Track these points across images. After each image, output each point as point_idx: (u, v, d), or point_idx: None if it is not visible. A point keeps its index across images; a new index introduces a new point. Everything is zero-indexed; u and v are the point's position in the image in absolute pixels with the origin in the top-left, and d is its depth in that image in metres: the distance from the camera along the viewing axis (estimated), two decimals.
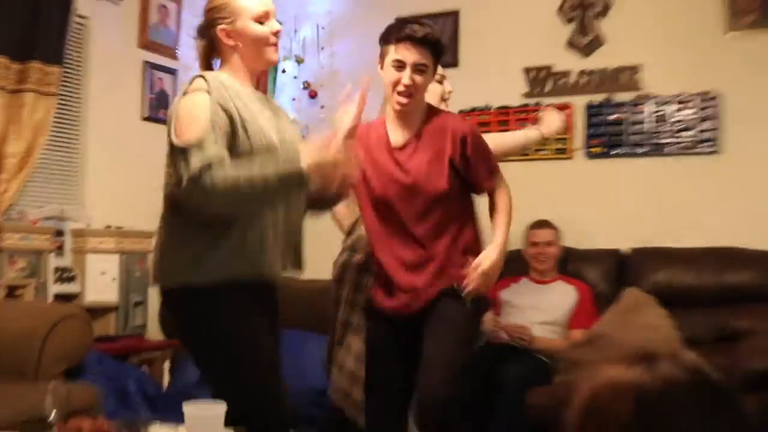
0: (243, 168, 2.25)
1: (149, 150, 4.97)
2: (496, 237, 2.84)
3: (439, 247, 2.83)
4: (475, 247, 2.89)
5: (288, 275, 2.55)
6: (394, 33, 2.76)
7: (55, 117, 4.35)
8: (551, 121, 3.02)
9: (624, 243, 4.58)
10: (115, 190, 4.77)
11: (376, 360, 3.02)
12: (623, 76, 4.80)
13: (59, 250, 4.26)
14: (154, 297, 4.71)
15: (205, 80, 2.38)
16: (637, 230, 4.64)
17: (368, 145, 2.86)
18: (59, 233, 4.28)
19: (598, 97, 4.88)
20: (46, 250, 4.14)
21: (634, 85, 4.77)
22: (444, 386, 2.74)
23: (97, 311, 4.29)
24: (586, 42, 4.93)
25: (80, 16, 4.58)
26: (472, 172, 2.87)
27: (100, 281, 4.35)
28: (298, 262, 2.59)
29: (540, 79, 5.04)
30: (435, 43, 2.79)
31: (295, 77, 5.52)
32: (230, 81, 2.46)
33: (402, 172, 2.84)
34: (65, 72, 4.39)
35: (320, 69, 5.47)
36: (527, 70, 5.03)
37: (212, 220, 2.34)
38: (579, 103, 4.92)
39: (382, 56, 2.82)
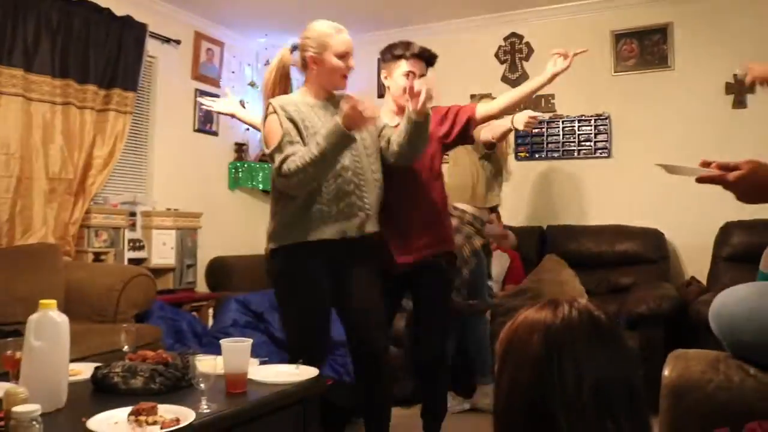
0: (305, 152, 2.24)
1: (198, 153, 4.96)
2: None
3: None
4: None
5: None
6: (407, 50, 2.66)
7: (131, 129, 4.29)
8: (559, 63, 2.68)
9: (544, 222, 4.56)
10: (173, 182, 4.71)
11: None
12: (542, 102, 4.74)
13: (132, 226, 4.21)
14: (202, 260, 4.68)
15: (272, 105, 2.38)
16: (554, 212, 4.63)
17: None
18: (132, 214, 4.23)
19: None
20: (123, 227, 4.09)
21: (550, 108, 4.74)
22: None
23: (160, 271, 4.24)
24: (515, 77, 4.90)
25: (150, 56, 4.55)
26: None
27: (162, 249, 4.29)
28: (363, 228, 2.43)
29: None
30: (433, 59, 2.73)
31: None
32: (295, 98, 2.45)
33: None
34: (138, 96, 4.36)
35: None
36: (472, 96, 4.98)
37: (293, 200, 2.37)
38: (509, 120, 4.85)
39: (390, 68, 2.69)
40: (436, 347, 2.71)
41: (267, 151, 2.35)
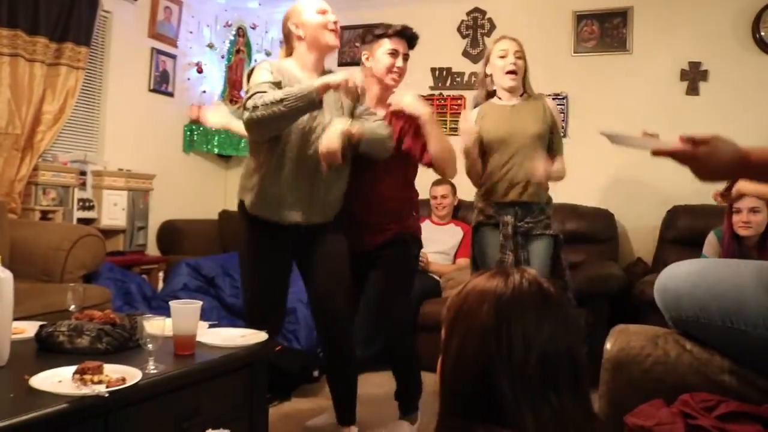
0: (272, 93, 2.25)
1: (153, 113, 4.86)
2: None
3: None
4: None
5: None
6: (389, 29, 2.64)
7: (83, 86, 4.17)
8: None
9: None
10: (126, 142, 4.60)
11: None
12: None
13: (82, 185, 4.11)
14: (153, 223, 4.61)
15: (267, 62, 2.46)
16: None
17: None
18: (83, 173, 4.13)
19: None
20: (72, 185, 3.98)
21: None
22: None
23: (110, 232, 4.16)
24: (476, 52, 4.90)
25: (105, 11, 4.41)
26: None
27: (113, 210, 4.20)
28: (323, 215, 2.50)
29: (443, 77, 5.00)
30: (414, 38, 2.71)
31: None
32: (287, 68, 2.45)
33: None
34: (92, 52, 4.21)
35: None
36: (433, 70, 4.98)
37: (257, 166, 2.44)
38: (469, 96, 4.83)
39: (372, 48, 2.66)
40: (403, 308, 2.74)
41: (246, 89, 2.41)
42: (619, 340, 1.43)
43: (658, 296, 1.45)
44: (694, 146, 1.22)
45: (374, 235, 2.66)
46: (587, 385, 1.01)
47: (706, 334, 1.36)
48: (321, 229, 2.50)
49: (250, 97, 2.27)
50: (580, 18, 4.61)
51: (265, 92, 2.26)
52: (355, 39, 5.09)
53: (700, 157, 1.22)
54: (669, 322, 1.45)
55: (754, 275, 1.31)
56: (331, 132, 2.31)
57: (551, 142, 2.93)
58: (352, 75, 2.27)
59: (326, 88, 2.25)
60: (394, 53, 2.62)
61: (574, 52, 4.61)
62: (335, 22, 2.49)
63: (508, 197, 2.87)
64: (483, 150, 2.90)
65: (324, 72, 2.54)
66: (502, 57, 2.86)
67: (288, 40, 2.55)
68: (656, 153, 1.27)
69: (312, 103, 2.24)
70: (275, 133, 2.34)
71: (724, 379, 1.31)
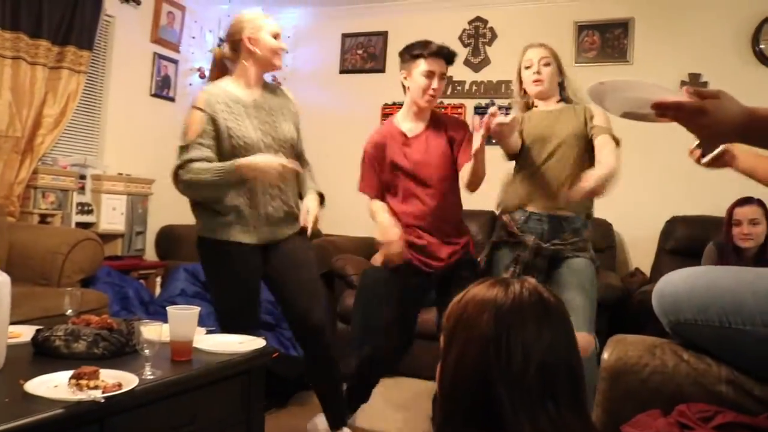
0: (202, 170, 2.36)
1: (153, 118, 4.86)
2: None
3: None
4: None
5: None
6: (425, 49, 2.58)
7: (84, 89, 4.17)
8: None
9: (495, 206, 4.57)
10: (126, 147, 4.61)
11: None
12: (502, 87, 4.79)
13: (81, 189, 4.12)
14: (152, 228, 4.61)
15: (201, 101, 2.45)
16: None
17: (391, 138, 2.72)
18: (82, 177, 4.14)
19: (483, 101, 4.87)
20: (72, 189, 3.99)
21: (510, 94, 4.73)
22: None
23: (108, 237, 4.17)
24: (477, 61, 4.92)
25: (108, 15, 4.43)
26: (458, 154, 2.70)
27: (112, 214, 4.21)
28: (274, 234, 2.55)
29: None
30: (452, 56, 2.66)
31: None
32: (227, 92, 2.48)
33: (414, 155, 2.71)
34: (94, 56, 4.22)
35: (284, 66, 5.24)
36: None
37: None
38: (470, 104, 4.93)
39: (409, 68, 2.62)
40: None
41: (180, 143, 2.44)
42: (617, 349, 1.42)
43: (656, 302, 1.44)
44: (702, 99, 1.13)
45: (450, 246, 2.67)
46: (585, 395, 1.01)
47: (704, 337, 1.35)
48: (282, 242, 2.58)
49: (178, 168, 2.40)
50: (581, 28, 4.63)
51: (196, 159, 2.37)
52: (356, 47, 5.11)
53: (709, 110, 1.12)
54: (667, 328, 1.44)
55: (752, 277, 1.30)
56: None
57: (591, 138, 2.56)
58: (272, 165, 2.37)
59: (247, 170, 2.37)
60: (430, 75, 2.59)
61: (575, 62, 4.62)
62: (284, 49, 2.58)
63: (538, 207, 2.58)
64: (517, 155, 2.69)
65: (264, 85, 2.60)
66: (528, 68, 2.70)
67: (234, 48, 2.55)
68: (658, 106, 1.16)
69: (235, 178, 2.38)
70: (207, 195, 2.44)
71: (722, 390, 1.31)
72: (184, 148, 2.40)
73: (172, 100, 5.01)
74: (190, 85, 5.15)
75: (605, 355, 1.42)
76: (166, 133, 4.98)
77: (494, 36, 4.89)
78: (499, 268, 2.61)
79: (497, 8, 4.89)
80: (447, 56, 2.63)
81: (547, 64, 2.66)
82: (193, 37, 5.13)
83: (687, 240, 3.94)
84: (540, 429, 0.93)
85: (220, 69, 2.62)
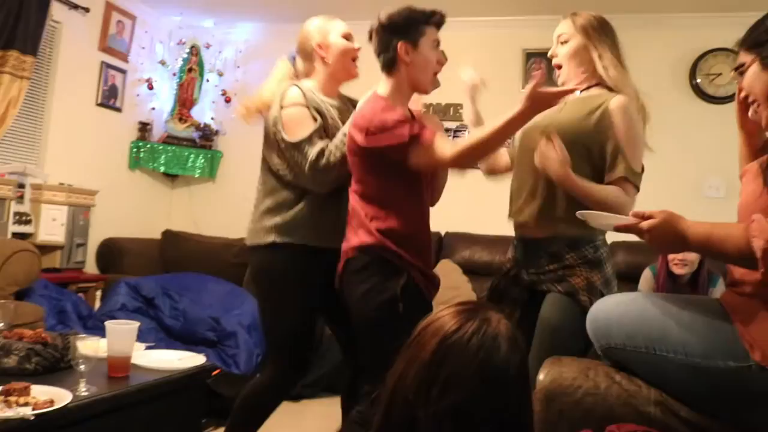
0: (337, 148, 2.11)
1: (99, 128, 4.78)
2: None
3: None
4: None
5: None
6: (433, 15, 2.12)
7: (27, 96, 4.06)
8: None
9: (443, 227, 4.61)
10: (69, 156, 4.50)
11: None
12: (451, 110, 4.87)
13: (20, 198, 3.98)
14: (94, 240, 4.51)
15: (302, 95, 2.20)
16: (453, 219, 4.71)
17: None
18: (21, 185, 4.01)
19: None
20: (9, 198, 3.85)
21: (458, 117, 4.84)
22: None
23: (47, 248, 4.05)
24: None
25: (54, 21, 4.33)
26: None
27: (51, 225, 4.08)
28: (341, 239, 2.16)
29: None
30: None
31: (215, 86, 5.35)
32: (313, 91, 2.26)
33: None
34: (38, 62, 4.12)
35: (235, 82, 5.31)
36: None
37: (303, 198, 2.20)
38: None
39: (415, 38, 2.07)
40: None
41: (290, 140, 2.16)
42: (552, 371, 1.47)
43: (589, 326, 1.53)
44: (643, 221, 1.35)
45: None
46: None
47: (631, 362, 1.44)
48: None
49: (317, 158, 2.10)
50: (530, 55, 4.75)
51: (326, 147, 2.14)
52: None
53: (647, 230, 1.34)
54: (599, 351, 1.51)
55: (677, 307, 1.41)
56: None
57: (605, 156, 1.94)
58: None
59: None
60: (438, 45, 2.24)
61: (523, 89, 4.74)
62: (358, 49, 2.34)
63: (513, 226, 2.15)
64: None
65: (341, 97, 2.39)
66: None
67: (307, 59, 2.35)
68: (617, 228, 1.42)
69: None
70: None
71: (650, 411, 1.36)
72: (306, 142, 2.13)
73: (118, 110, 4.93)
74: (138, 95, 5.08)
75: (540, 377, 1.46)
76: (112, 144, 4.92)
77: (444, 59, 4.96)
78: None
79: (447, 33, 4.87)
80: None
81: (564, 42, 2.11)
82: (143, 48, 5.07)
83: (627, 264, 4.04)
84: None
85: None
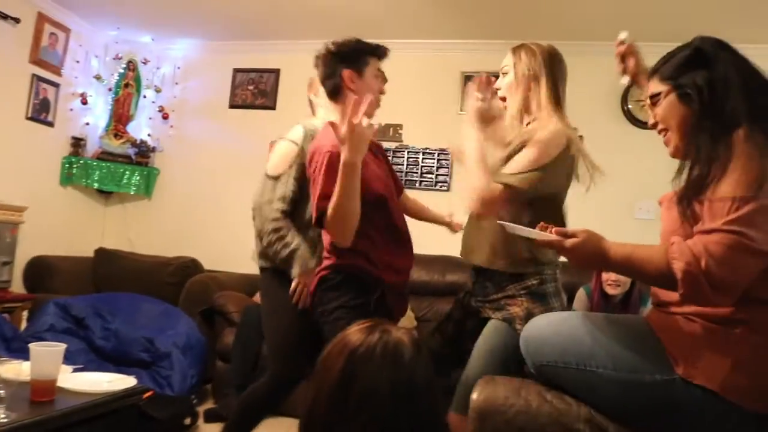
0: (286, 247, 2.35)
1: (29, 142, 4.64)
2: None
3: None
4: None
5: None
6: (378, 48, 2.21)
7: None
8: None
9: None
10: None
11: None
12: (390, 131, 4.89)
13: None
14: (21, 258, 4.34)
15: (303, 134, 2.40)
16: None
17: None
18: None
19: None
20: None
21: (398, 138, 4.88)
22: None
23: None
24: None
25: None
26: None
27: None
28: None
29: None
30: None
31: (153, 102, 5.25)
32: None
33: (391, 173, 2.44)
34: None
35: (173, 98, 5.23)
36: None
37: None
38: None
39: (360, 68, 2.15)
40: None
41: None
42: (486, 390, 1.49)
43: (523, 345, 1.56)
44: (565, 238, 1.39)
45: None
46: None
47: (562, 379, 1.48)
48: None
49: (277, 236, 2.34)
50: (468, 77, 4.83)
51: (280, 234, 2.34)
52: (248, 82, 5.10)
53: (569, 248, 1.39)
54: (531, 369, 1.54)
55: (607, 325, 1.47)
56: None
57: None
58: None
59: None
60: (380, 75, 2.30)
61: (461, 110, 4.81)
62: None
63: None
64: None
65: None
66: None
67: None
68: (539, 243, 1.46)
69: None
70: None
71: (580, 428, 1.39)
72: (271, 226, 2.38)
73: (50, 124, 4.78)
74: (71, 110, 4.94)
75: (474, 395, 1.48)
76: (43, 159, 4.77)
77: (384, 80, 5.00)
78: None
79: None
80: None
81: (506, 73, 2.08)
82: (77, 61, 4.94)
83: (562, 285, 4.13)
84: None
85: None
